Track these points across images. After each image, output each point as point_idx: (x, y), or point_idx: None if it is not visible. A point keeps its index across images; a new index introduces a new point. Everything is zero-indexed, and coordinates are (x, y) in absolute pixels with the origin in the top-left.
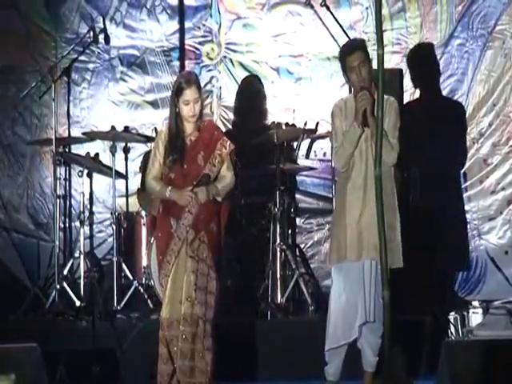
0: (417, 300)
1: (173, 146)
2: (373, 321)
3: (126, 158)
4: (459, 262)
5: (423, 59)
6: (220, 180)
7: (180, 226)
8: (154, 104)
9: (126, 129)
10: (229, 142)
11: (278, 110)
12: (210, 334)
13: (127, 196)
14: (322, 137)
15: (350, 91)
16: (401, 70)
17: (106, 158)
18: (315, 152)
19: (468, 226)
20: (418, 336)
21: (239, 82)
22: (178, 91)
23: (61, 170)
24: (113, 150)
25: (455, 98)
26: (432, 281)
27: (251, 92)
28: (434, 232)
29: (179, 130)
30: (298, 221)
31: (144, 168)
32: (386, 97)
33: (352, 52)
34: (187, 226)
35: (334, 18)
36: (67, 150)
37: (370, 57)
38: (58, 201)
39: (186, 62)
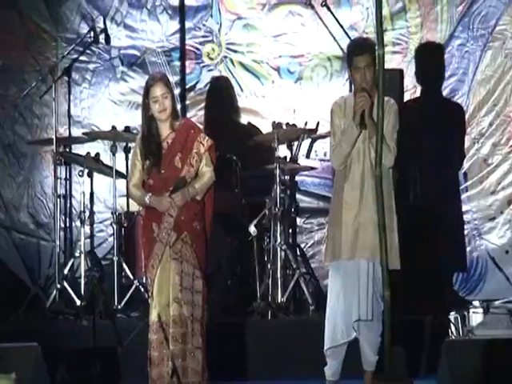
0: (417, 300)
1: (147, 150)
2: (370, 319)
3: (127, 158)
4: (457, 263)
5: (429, 58)
6: (199, 177)
7: (162, 229)
8: None
9: (127, 129)
10: (206, 138)
11: (279, 109)
12: (200, 333)
13: (127, 196)
14: (323, 136)
15: (351, 89)
16: (401, 71)
17: (106, 158)
18: (316, 152)
19: (468, 226)
20: (418, 336)
21: (209, 83)
22: (146, 92)
23: (61, 170)
24: (113, 150)
25: (456, 98)
26: (433, 280)
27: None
28: (433, 232)
29: (152, 134)
30: (299, 220)
31: None
32: (386, 99)
33: (361, 53)
34: (169, 230)
35: (335, 18)
36: (68, 149)
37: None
38: (58, 200)
39: (187, 63)
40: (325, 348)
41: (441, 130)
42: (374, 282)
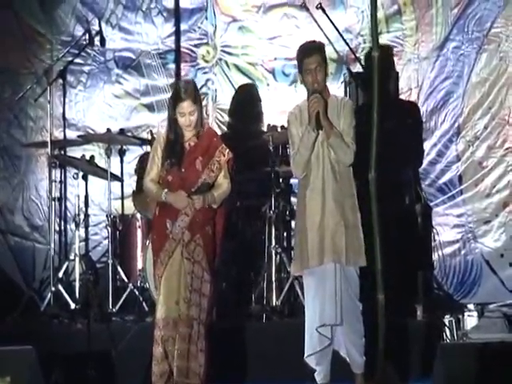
0: (410, 301)
1: (171, 151)
2: (338, 324)
3: (122, 161)
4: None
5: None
6: (216, 187)
7: (176, 227)
8: (149, 107)
9: (122, 131)
10: (227, 150)
11: (274, 112)
12: (204, 336)
13: (122, 198)
14: None
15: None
16: (396, 73)
17: (101, 161)
18: None
19: (462, 229)
20: (413, 339)
21: (236, 89)
22: (175, 100)
23: (56, 173)
24: (108, 153)
25: (451, 100)
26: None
27: (248, 99)
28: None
29: (177, 136)
30: (293, 224)
31: (139, 170)
32: (340, 97)
33: (310, 55)
34: (183, 228)
35: (330, 20)
36: (62, 152)
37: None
38: (53, 203)
39: (182, 65)
40: (305, 356)
41: (397, 131)
42: (345, 284)
